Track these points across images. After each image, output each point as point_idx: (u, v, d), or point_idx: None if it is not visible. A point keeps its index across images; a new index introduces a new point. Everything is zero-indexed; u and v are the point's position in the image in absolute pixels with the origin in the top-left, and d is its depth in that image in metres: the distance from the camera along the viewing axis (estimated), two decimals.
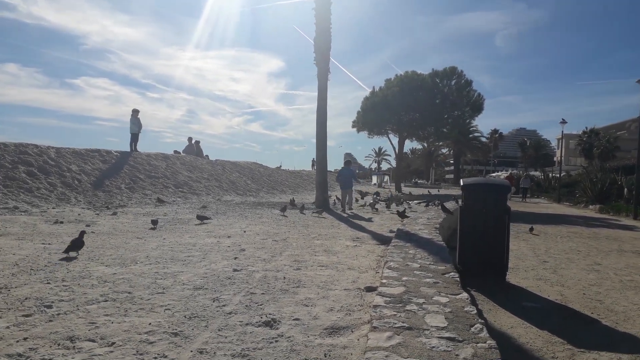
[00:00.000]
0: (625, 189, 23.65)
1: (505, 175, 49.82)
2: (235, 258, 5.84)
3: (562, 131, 43.44)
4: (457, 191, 29.47)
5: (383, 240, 7.86)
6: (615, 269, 7.67)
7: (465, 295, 3.70)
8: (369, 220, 11.62)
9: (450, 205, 13.77)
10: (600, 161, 55.79)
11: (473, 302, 3.79)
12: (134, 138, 18.00)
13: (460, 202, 7.35)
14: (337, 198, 17.30)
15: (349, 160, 17.58)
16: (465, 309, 3.32)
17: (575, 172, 44.32)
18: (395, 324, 2.96)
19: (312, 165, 47.64)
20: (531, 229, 13.25)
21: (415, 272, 4.46)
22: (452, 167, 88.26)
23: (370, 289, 4.27)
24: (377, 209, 14.49)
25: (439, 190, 33.11)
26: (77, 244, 5.63)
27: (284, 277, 4.80)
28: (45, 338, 2.98)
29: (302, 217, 11.81)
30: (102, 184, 13.35)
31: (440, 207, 10.76)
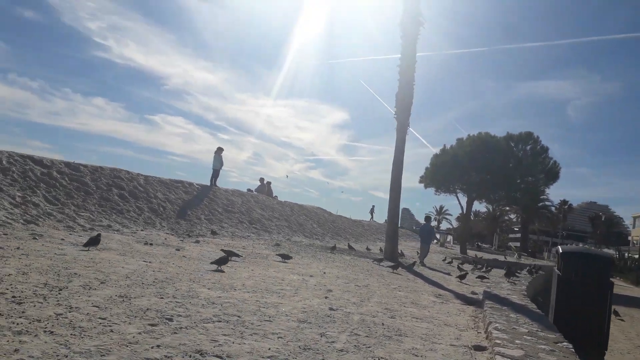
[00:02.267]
0: None
1: None
2: (326, 297, 5.86)
3: None
4: (526, 260, 28.02)
5: (468, 300, 7.59)
6: None
7: None
8: (444, 277, 11.29)
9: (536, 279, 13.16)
10: None
11: None
12: (215, 174, 18.98)
13: (556, 270, 7.03)
14: (402, 253, 17.54)
15: (429, 216, 17.70)
16: None
17: None
18: None
19: (371, 213, 47.32)
20: (616, 313, 12.35)
21: (525, 336, 4.27)
22: (517, 235, 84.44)
23: (478, 348, 4.12)
24: (464, 271, 14.09)
25: (505, 257, 31.61)
26: (222, 260, 7.11)
27: (382, 324, 4.74)
28: (175, 348, 3.11)
29: (373, 266, 11.69)
30: (184, 213, 13.98)
31: (505, 274, 10.27)
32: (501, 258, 29.63)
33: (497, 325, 4.58)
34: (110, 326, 3.36)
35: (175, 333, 3.45)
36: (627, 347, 7.78)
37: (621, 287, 25.76)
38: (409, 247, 26.74)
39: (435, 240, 16.32)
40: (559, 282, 6.78)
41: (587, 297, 6.58)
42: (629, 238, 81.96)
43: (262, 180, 25.01)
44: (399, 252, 17.60)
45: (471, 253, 32.43)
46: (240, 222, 15.64)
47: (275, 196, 25.47)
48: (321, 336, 3.94)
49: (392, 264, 12.07)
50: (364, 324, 4.63)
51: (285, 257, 9.72)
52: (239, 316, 4.22)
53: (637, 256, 43.57)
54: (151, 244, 9.09)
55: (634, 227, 79.17)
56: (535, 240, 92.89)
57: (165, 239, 10.53)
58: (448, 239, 46.19)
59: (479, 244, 64.65)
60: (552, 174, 28.60)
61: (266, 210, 18.66)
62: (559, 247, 7.09)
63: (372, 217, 47.24)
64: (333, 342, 3.82)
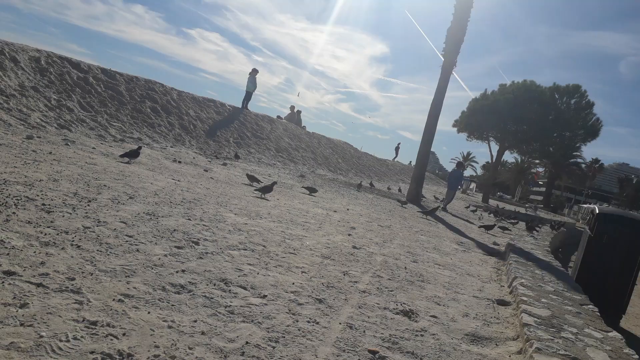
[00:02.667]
0: None
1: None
2: (349, 235, 5.83)
3: None
4: (546, 214, 27.67)
5: (490, 251, 7.50)
6: None
7: (619, 335, 3.38)
8: (465, 225, 11.18)
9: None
10: None
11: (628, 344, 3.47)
12: (248, 96, 18.58)
13: (588, 230, 6.82)
14: (435, 197, 17.65)
15: (461, 162, 17.59)
16: (625, 351, 3.03)
17: None
18: (559, 350, 2.75)
19: (396, 151, 46.84)
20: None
21: (551, 295, 4.17)
22: (541, 188, 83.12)
23: (502, 303, 4.05)
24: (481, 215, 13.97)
25: (526, 210, 31.25)
26: (267, 189, 7.40)
27: (405, 267, 4.70)
28: (200, 275, 3.10)
29: (396, 207, 11.64)
30: (213, 133, 13.97)
31: (527, 227, 10.09)
32: (522, 210, 29.31)
33: (522, 281, 4.49)
34: (136, 245, 3.36)
35: (200, 258, 3.44)
36: None
37: None
38: (430, 191, 26.61)
39: (460, 187, 16.11)
40: (590, 242, 6.60)
41: (615, 260, 6.42)
42: None
43: (292, 108, 24.68)
44: (433, 197, 17.80)
45: (493, 203, 32.14)
46: (268, 149, 15.60)
47: (304, 126, 25.26)
48: (344, 275, 3.91)
49: (422, 209, 12.00)
50: (387, 265, 4.59)
51: (312, 190, 9.70)
52: (264, 246, 4.21)
53: None
54: (180, 162, 9.15)
55: None
56: (558, 195, 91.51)
57: (194, 158, 10.58)
58: (471, 186, 45.78)
59: (501, 194, 64.05)
60: (592, 131, 27.39)
61: (294, 140, 18.54)
62: (595, 206, 6.81)
63: (396, 155, 46.93)
64: (356, 282, 3.79)
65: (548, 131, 26.32)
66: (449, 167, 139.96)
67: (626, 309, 6.59)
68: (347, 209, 8.50)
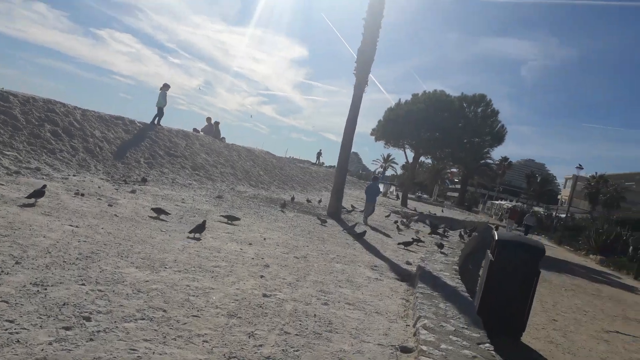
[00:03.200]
0: (631, 247, 23.57)
1: (509, 207, 49.63)
2: (262, 276, 5.76)
3: (576, 176, 43.31)
4: (461, 213, 29.29)
5: (402, 275, 7.76)
6: (623, 341, 7.61)
7: None
8: (382, 241, 11.51)
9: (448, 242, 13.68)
10: (605, 208, 55.59)
11: None
12: (160, 113, 17.78)
13: (489, 255, 7.25)
14: (352, 206, 18.33)
15: (377, 176, 18.40)
16: None
17: (580, 217, 44.18)
18: None
19: (317, 158, 47.59)
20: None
21: (451, 336, 4.37)
22: (456, 186, 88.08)
23: (405, 350, 4.19)
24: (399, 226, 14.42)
25: (442, 211, 32.96)
26: (200, 228, 7.44)
27: (314, 315, 4.71)
28: None
29: (316, 227, 11.73)
30: (122, 155, 13.26)
31: (436, 245, 10.66)
32: (439, 210, 30.89)
33: (425, 322, 4.68)
34: (17, 333, 3.07)
35: (91, 340, 3.21)
36: (542, 321, 8.31)
37: (545, 246, 27.55)
38: (352, 197, 27.21)
39: (379, 194, 16.70)
40: (491, 268, 7.01)
41: (515, 283, 6.88)
42: (559, 197, 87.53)
43: (209, 119, 24.04)
44: (351, 207, 18.21)
45: (412, 204, 33.54)
46: (183, 167, 15.10)
47: (223, 137, 24.77)
48: (250, 337, 3.83)
49: (343, 227, 12.16)
50: (296, 316, 4.57)
51: (232, 219, 9.42)
52: (164, 310, 4.02)
53: (563, 215, 46.81)
54: (82, 195, 8.56)
55: (564, 187, 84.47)
56: (472, 192, 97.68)
57: (99, 187, 9.97)
58: (391, 189, 47.48)
59: (420, 194, 67.23)
60: (498, 137, 29.57)
61: (211, 155, 18.11)
62: (494, 232, 7.27)
63: (318, 161, 47.52)
64: (261, 345, 3.73)
65: (459, 138, 27.98)
66: (372, 167, 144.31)
67: (525, 327, 7.05)
68: (264, 239, 8.41)
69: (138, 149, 14.38)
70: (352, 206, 19.13)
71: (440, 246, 10.28)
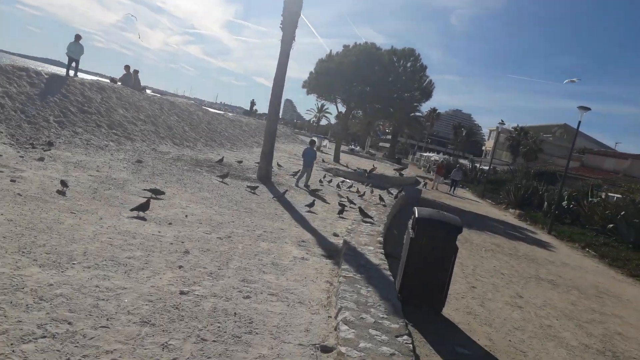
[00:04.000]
0: (546, 203, 25.42)
1: (437, 160, 51.77)
2: (180, 267, 5.54)
3: (498, 130, 45.69)
4: (389, 170, 30.14)
5: (328, 249, 7.86)
6: (535, 306, 8.28)
7: None
8: (312, 206, 11.53)
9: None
10: (524, 160, 59.61)
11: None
12: (75, 64, 16.86)
13: (411, 231, 7.47)
14: (278, 164, 17.99)
15: (314, 140, 18.23)
16: None
17: (501, 169, 47.08)
18: None
19: (250, 107, 46.45)
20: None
21: (370, 330, 4.49)
22: (388, 137, 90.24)
23: (325, 350, 4.25)
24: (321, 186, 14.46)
25: (374, 166, 33.70)
26: (144, 206, 7.50)
27: (235, 313, 4.62)
28: None
29: (244, 195, 11.50)
30: (28, 113, 12.04)
31: (359, 211, 10.90)
32: (370, 164, 31.48)
33: (346, 315, 4.77)
34: None
35: None
36: (462, 289, 8.77)
37: (469, 200, 29.05)
38: (286, 153, 26.99)
39: (315, 159, 16.61)
40: (411, 245, 7.22)
41: (434, 259, 7.16)
42: (483, 148, 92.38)
43: (127, 68, 22.33)
44: (277, 166, 17.85)
45: (344, 158, 33.94)
46: (98, 125, 14.04)
47: (144, 88, 23.35)
48: (163, 349, 3.69)
49: (274, 193, 12.00)
50: (215, 317, 4.45)
51: (157, 193, 8.90)
52: (69, 323, 3.74)
53: (486, 167, 49.66)
54: None
55: (488, 139, 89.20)
56: (403, 143, 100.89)
57: (2, 154, 9.04)
58: (324, 143, 47.74)
59: (353, 146, 68.27)
60: (426, 93, 30.10)
61: (130, 111, 16.96)
62: (415, 209, 7.42)
63: (251, 111, 46.36)
64: (175, 358, 3.60)
65: (388, 93, 28.21)
66: (307, 117, 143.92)
67: (445, 302, 7.39)
68: (186, 216, 8.08)
69: (47, 105, 13.12)
70: (278, 165, 18.41)
71: (364, 214, 10.49)
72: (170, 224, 7.30)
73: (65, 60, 18.01)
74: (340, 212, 11.50)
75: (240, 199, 10.72)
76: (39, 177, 8.13)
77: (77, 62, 18.19)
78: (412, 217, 7.85)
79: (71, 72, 17.76)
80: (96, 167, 10.16)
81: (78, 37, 18.09)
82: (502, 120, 39.06)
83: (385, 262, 7.30)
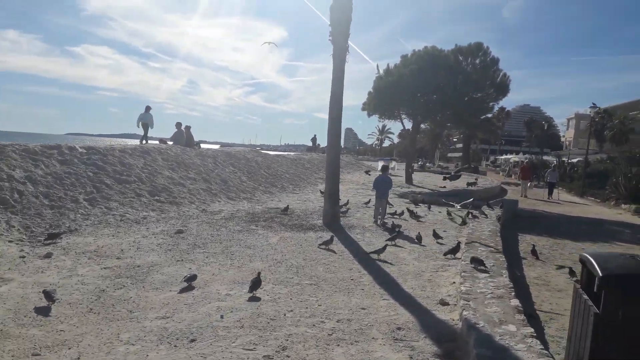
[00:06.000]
0: None
1: (518, 162, 46.50)
2: None
3: (590, 114, 39.99)
4: (469, 176, 26.31)
5: (441, 340, 4.93)
6: None
7: None
8: (398, 255, 8.66)
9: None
10: (613, 144, 52.41)
11: None
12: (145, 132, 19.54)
13: (587, 301, 4.42)
14: (346, 204, 14.59)
15: (386, 165, 14.94)
16: None
17: (593, 159, 40.91)
18: None
19: (313, 143, 44.33)
20: (533, 251, 10.07)
21: None
22: (457, 145, 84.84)
23: None
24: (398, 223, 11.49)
25: (476, 179, 29.83)
26: None
27: None
28: None
29: (316, 254, 8.86)
30: (53, 196, 10.37)
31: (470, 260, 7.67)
32: (446, 182, 27.75)
33: None
34: None
35: None
36: None
37: (569, 203, 24.81)
38: (353, 183, 24.27)
39: (391, 187, 13.67)
40: (598, 324, 4.14)
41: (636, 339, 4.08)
42: (562, 140, 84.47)
43: (178, 125, 21.09)
44: (347, 203, 14.72)
45: (416, 177, 30.26)
46: (138, 195, 12.18)
47: (198, 143, 21.88)
48: None
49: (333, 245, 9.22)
50: None
51: (190, 280, 6.49)
52: None
53: (574, 161, 43.72)
54: None
55: (567, 129, 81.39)
56: (474, 149, 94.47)
57: (1, 254, 7.15)
58: (392, 165, 44.27)
59: (422, 162, 63.83)
60: (502, 88, 26.10)
61: (178, 171, 15.16)
62: (589, 256, 4.33)
63: (314, 147, 44.41)
64: None
65: (459, 96, 24.80)
66: (369, 141, 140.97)
67: None
68: (221, 317, 5.51)
69: (78, 183, 11.46)
70: (345, 204, 14.56)
71: (478, 262, 7.38)
72: (193, 340, 4.72)
73: (141, 132, 19.78)
74: (454, 251, 8.61)
75: (302, 261, 8.06)
76: (24, 288, 5.97)
77: (146, 130, 19.79)
78: (583, 270, 4.81)
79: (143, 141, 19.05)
80: (120, 251, 8.01)
81: (148, 108, 19.89)
82: (593, 104, 33.84)
83: (539, 345, 4.29)
